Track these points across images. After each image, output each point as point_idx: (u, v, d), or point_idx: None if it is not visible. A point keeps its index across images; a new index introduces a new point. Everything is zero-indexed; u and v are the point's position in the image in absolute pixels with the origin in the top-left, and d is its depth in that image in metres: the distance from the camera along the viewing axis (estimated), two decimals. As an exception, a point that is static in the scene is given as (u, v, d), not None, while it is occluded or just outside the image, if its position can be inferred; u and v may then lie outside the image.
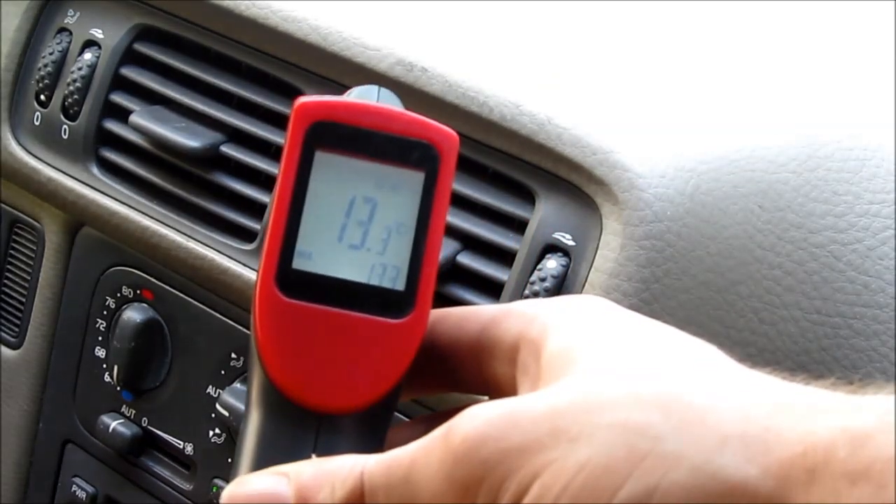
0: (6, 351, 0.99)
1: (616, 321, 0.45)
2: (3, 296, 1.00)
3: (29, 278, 0.97)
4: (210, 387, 0.86)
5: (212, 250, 0.83)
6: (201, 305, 0.86)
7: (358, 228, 0.46)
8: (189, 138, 0.84)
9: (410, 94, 0.75)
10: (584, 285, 0.67)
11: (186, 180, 0.86)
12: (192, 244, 0.84)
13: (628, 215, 0.67)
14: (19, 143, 0.93)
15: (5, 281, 1.00)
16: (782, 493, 0.37)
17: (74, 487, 0.95)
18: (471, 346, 0.47)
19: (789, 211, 0.70)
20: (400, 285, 0.46)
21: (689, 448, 0.37)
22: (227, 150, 0.83)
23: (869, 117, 0.78)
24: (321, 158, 0.46)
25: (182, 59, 0.88)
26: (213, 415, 0.85)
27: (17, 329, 0.99)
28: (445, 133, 0.47)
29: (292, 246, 0.46)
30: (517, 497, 0.39)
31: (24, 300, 0.98)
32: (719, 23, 0.91)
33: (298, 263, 0.46)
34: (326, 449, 0.45)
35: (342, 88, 0.79)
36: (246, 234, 0.83)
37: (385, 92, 0.49)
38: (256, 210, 0.82)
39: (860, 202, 0.72)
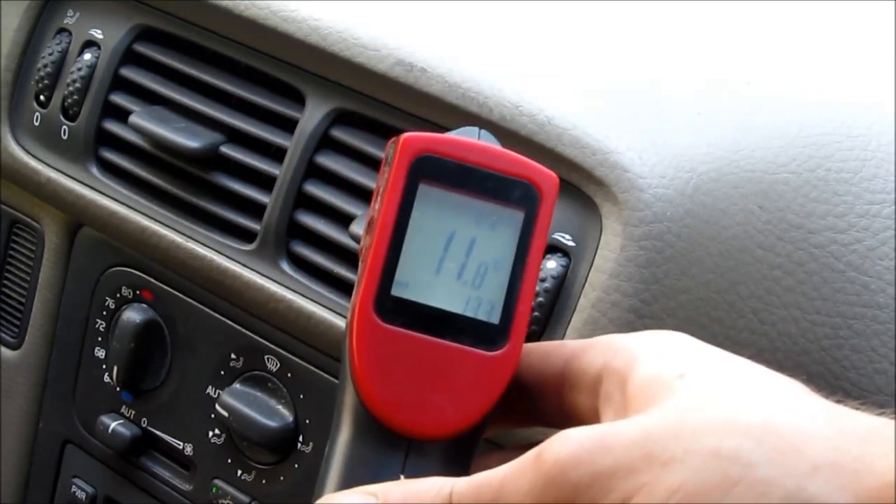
0: (6, 351, 0.99)
1: (701, 354, 0.45)
2: (2, 296, 1.00)
3: (29, 279, 0.97)
4: (210, 387, 0.86)
5: (211, 251, 0.83)
6: (201, 306, 0.86)
7: (456, 262, 0.47)
8: (189, 138, 0.84)
9: (410, 94, 0.75)
10: (584, 286, 0.67)
11: (186, 180, 0.86)
12: (191, 244, 0.84)
13: (628, 216, 0.66)
14: (19, 144, 0.93)
15: (5, 281, 1.00)
16: None
17: (74, 488, 0.95)
18: (554, 379, 0.48)
19: (789, 211, 0.70)
20: (495, 318, 0.47)
21: (781, 476, 0.38)
22: (226, 150, 0.83)
23: (869, 117, 0.78)
24: (425, 191, 0.47)
25: (182, 60, 0.88)
26: (212, 415, 0.85)
27: (16, 329, 0.99)
28: (546, 174, 0.49)
29: (392, 273, 0.47)
30: None
31: (23, 300, 0.98)
32: (719, 23, 0.91)
33: (397, 291, 0.47)
34: (414, 472, 0.46)
35: (343, 89, 0.79)
36: (246, 235, 0.83)
37: (485, 133, 0.50)
38: (256, 210, 0.82)
39: (860, 202, 0.72)
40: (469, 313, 0.47)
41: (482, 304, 0.47)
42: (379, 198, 0.48)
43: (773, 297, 0.69)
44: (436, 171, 0.47)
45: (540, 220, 0.48)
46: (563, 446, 0.41)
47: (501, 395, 0.47)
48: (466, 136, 0.49)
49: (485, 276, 0.47)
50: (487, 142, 0.49)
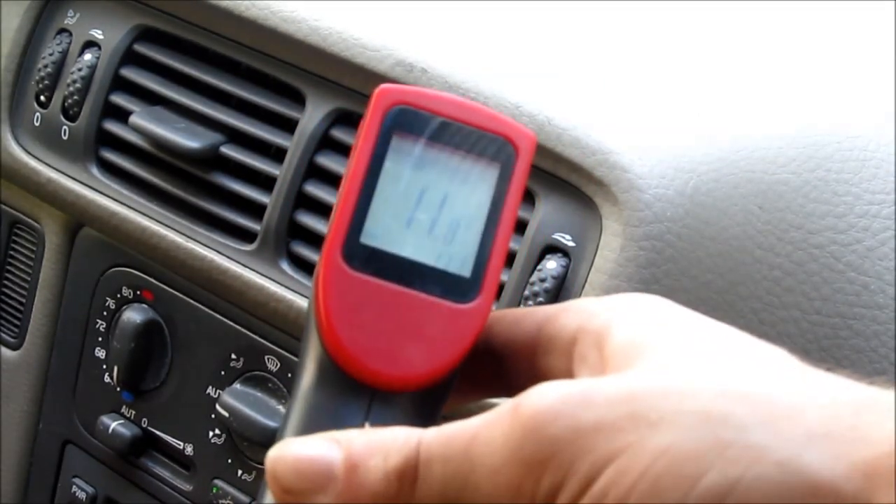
0: (6, 351, 0.99)
1: (682, 317, 0.44)
2: (3, 296, 1.00)
3: (29, 279, 0.97)
4: (210, 387, 0.86)
5: (212, 251, 0.83)
6: (201, 306, 0.86)
7: (428, 215, 0.46)
8: (189, 139, 0.84)
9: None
10: (583, 286, 0.67)
11: (186, 181, 0.86)
12: (191, 245, 0.84)
13: (628, 216, 0.67)
14: (19, 144, 0.93)
15: (5, 281, 1.00)
16: (868, 492, 0.36)
17: (74, 488, 0.95)
18: (527, 344, 0.46)
19: (789, 211, 0.70)
20: (466, 272, 0.46)
21: (775, 442, 0.36)
22: (226, 150, 0.83)
23: (869, 117, 0.78)
24: (398, 143, 0.46)
25: (182, 60, 0.88)
26: (213, 415, 0.85)
27: (17, 329, 0.99)
28: (523, 131, 0.47)
29: (362, 222, 0.45)
30: (588, 479, 0.38)
31: (24, 301, 0.98)
32: (719, 23, 0.91)
33: (366, 239, 0.45)
34: (378, 423, 0.45)
35: (343, 89, 0.79)
36: (246, 235, 0.83)
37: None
38: (256, 210, 0.82)
39: (860, 202, 0.72)
40: (440, 265, 0.46)
41: (453, 257, 0.46)
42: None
43: (773, 297, 0.69)
44: (410, 123, 0.46)
45: (515, 178, 0.47)
46: (543, 398, 0.39)
47: (470, 350, 0.46)
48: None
49: (457, 230, 0.46)
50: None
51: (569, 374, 0.44)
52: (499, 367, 0.47)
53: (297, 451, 0.43)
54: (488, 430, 0.40)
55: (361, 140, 0.46)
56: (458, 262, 0.46)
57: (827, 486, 0.36)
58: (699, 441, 0.37)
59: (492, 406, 0.40)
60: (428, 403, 0.46)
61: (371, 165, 0.46)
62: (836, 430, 0.37)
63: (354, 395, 0.45)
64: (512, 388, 0.48)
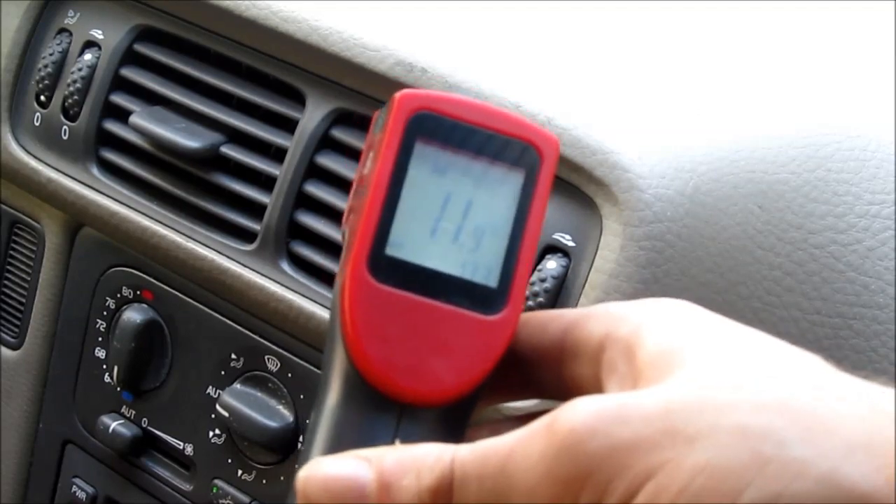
0: (6, 351, 0.99)
1: (712, 324, 0.43)
2: (3, 296, 1.00)
3: (29, 279, 0.97)
4: (210, 387, 0.86)
5: (212, 251, 0.83)
6: (201, 306, 0.86)
7: (452, 224, 0.45)
8: (189, 139, 0.84)
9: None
10: (584, 286, 0.67)
11: (186, 181, 0.86)
12: (191, 244, 0.84)
13: (628, 216, 0.67)
14: (19, 144, 0.93)
15: (5, 281, 1.00)
16: None
17: (74, 488, 0.95)
18: (552, 348, 0.46)
19: (789, 211, 0.70)
20: (493, 282, 0.45)
21: (815, 456, 0.36)
22: (226, 150, 0.83)
23: (869, 117, 0.78)
24: (421, 150, 0.45)
25: (182, 60, 0.88)
26: (213, 415, 0.85)
27: (17, 329, 0.99)
28: (547, 136, 0.47)
29: (386, 233, 0.44)
30: (626, 497, 0.37)
31: (24, 301, 0.98)
32: (719, 23, 0.91)
33: (391, 251, 0.44)
34: (407, 439, 0.44)
35: (343, 89, 0.79)
36: (246, 235, 0.83)
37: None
38: (256, 210, 0.82)
39: (860, 202, 0.72)
40: (466, 276, 0.45)
41: (479, 267, 0.45)
42: (370, 159, 0.46)
43: (773, 297, 0.69)
44: (433, 129, 0.45)
45: (540, 183, 0.46)
46: (577, 414, 0.38)
47: (499, 362, 0.45)
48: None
49: (482, 238, 0.45)
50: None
51: (596, 381, 0.44)
52: (523, 371, 0.47)
53: (328, 470, 0.42)
54: (523, 447, 0.39)
55: (384, 146, 0.45)
56: (484, 271, 0.45)
57: (867, 498, 0.36)
58: (738, 457, 0.36)
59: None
60: (456, 417, 0.45)
61: (395, 173, 0.45)
62: (876, 441, 0.36)
63: (383, 410, 0.44)
64: (536, 392, 0.48)
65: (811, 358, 0.41)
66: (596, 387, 0.44)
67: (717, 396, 0.38)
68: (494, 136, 0.46)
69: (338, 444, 0.44)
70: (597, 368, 0.44)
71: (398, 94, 0.46)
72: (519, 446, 0.39)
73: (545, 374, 0.46)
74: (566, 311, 0.46)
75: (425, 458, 0.41)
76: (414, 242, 0.45)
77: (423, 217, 0.45)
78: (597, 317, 0.45)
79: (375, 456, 0.42)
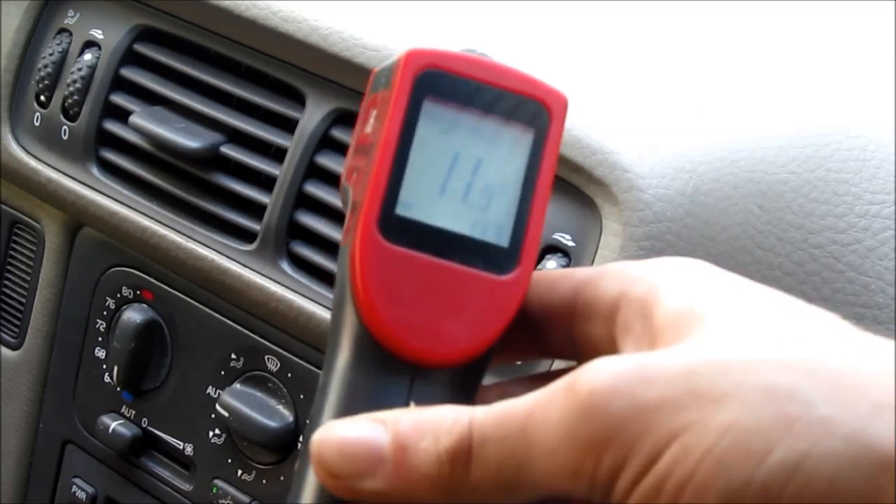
0: (6, 351, 0.99)
1: (730, 283, 0.42)
2: (3, 296, 1.00)
3: (29, 279, 0.97)
4: (210, 387, 0.86)
5: (212, 251, 0.83)
6: (201, 306, 0.86)
7: (462, 183, 0.44)
8: (189, 139, 0.84)
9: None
10: (583, 286, 0.67)
11: (186, 181, 0.86)
12: (191, 245, 0.84)
13: (628, 216, 0.66)
14: (19, 144, 0.93)
15: (5, 281, 1.00)
16: None
17: (74, 488, 0.95)
18: (564, 307, 0.45)
19: (789, 211, 0.70)
20: (504, 241, 0.44)
21: (842, 415, 0.35)
22: (226, 150, 0.83)
23: (869, 117, 0.78)
24: (429, 109, 0.44)
25: (182, 60, 0.88)
26: (213, 415, 0.85)
27: (17, 329, 0.99)
28: (556, 93, 0.46)
29: (396, 192, 0.44)
30: (651, 459, 0.36)
31: (24, 301, 0.98)
32: (719, 23, 0.91)
33: (402, 210, 0.44)
34: (421, 401, 0.43)
35: (343, 89, 0.79)
36: (246, 235, 0.83)
37: (482, 53, 0.47)
38: (256, 210, 0.82)
39: (860, 202, 0.72)
40: (477, 235, 0.44)
41: (490, 226, 0.44)
42: (372, 118, 0.46)
43: (773, 297, 0.69)
44: (441, 87, 0.44)
45: (550, 141, 0.45)
46: (598, 376, 0.37)
47: (511, 322, 0.44)
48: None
49: (492, 197, 0.44)
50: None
51: (611, 341, 0.43)
52: (534, 330, 0.46)
53: (343, 433, 0.41)
54: (543, 409, 0.38)
55: (392, 105, 0.44)
56: (495, 230, 0.45)
57: (895, 457, 0.35)
58: (765, 417, 0.36)
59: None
60: (468, 378, 0.45)
61: (403, 132, 0.44)
62: None
63: (396, 372, 0.44)
64: (546, 351, 0.47)
65: (831, 317, 0.40)
66: (610, 347, 0.43)
67: (742, 356, 0.37)
68: (503, 93, 0.45)
69: (350, 408, 0.43)
70: (611, 328, 0.43)
71: (405, 52, 0.45)
72: (538, 408, 0.38)
73: (555, 334, 0.45)
74: (577, 270, 0.46)
75: (443, 421, 0.40)
76: (424, 202, 0.44)
77: (433, 176, 0.44)
78: (610, 275, 0.44)
79: (391, 419, 0.41)
